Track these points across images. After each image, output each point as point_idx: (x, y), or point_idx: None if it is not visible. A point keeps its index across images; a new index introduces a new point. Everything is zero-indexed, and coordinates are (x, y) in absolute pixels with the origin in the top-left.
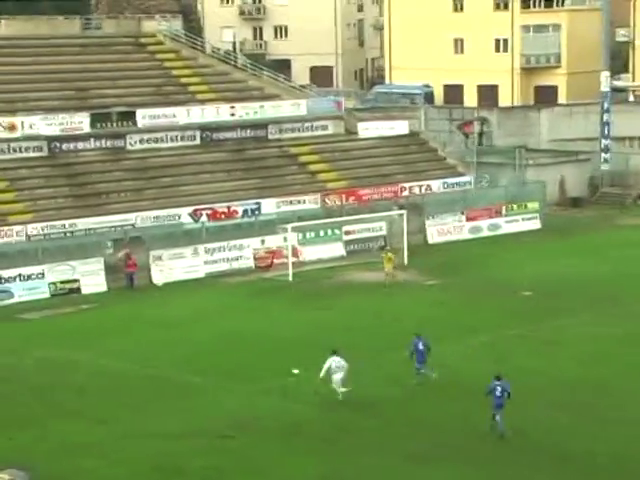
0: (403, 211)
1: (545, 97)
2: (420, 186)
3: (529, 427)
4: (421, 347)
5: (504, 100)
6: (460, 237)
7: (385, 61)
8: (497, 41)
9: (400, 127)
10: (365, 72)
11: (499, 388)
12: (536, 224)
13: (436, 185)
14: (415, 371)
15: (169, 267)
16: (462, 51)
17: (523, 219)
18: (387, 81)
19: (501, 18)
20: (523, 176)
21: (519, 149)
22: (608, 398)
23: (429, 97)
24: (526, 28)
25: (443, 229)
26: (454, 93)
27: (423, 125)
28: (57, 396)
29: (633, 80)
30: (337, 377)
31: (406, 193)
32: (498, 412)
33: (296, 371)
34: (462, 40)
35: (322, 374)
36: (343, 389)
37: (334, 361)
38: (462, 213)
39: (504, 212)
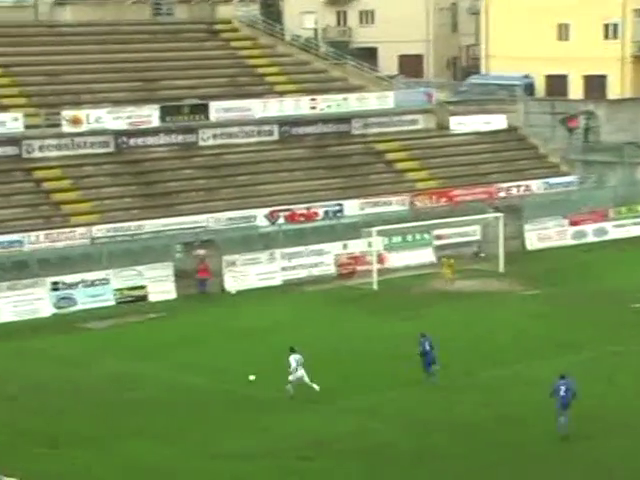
0: (499, 214)
1: None
2: (518, 187)
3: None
4: (428, 347)
5: (613, 92)
6: (562, 243)
7: (481, 49)
8: (606, 26)
9: (497, 122)
10: (459, 61)
11: (563, 387)
12: None
13: (536, 186)
14: (426, 373)
15: (243, 273)
16: (567, 38)
17: (633, 223)
18: (483, 71)
19: (611, 1)
20: (633, 176)
21: (629, 146)
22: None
23: (529, 88)
24: (639, 12)
25: (543, 234)
26: (557, 84)
27: (522, 119)
28: (122, 412)
29: None
30: (300, 373)
31: (503, 194)
32: (563, 413)
33: (252, 377)
34: (567, 25)
35: (291, 371)
36: (315, 385)
37: (294, 359)
38: (565, 217)
39: (612, 216)
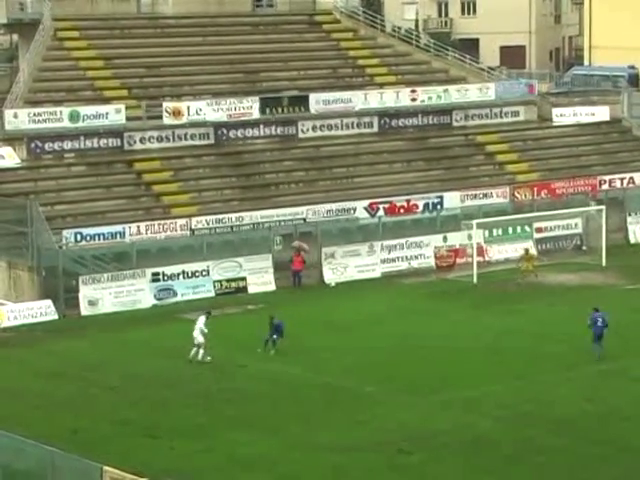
0: (602, 207)
1: None
2: (622, 179)
3: None
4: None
5: None
6: None
7: (584, 39)
8: None
9: (600, 113)
10: (561, 52)
11: (600, 319)
12: None
13: None
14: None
15: (342, 265)
16: None
17: None
18: (586, 62)
19: None
20: None
21: None
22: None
23: (634, 80)
24: None
25: None
26: None
27: (626, 111)
28: (222, 403)
29: None
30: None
31: (606, 187)
32: (599, 341)
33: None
34: None
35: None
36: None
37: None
38: None
39: None
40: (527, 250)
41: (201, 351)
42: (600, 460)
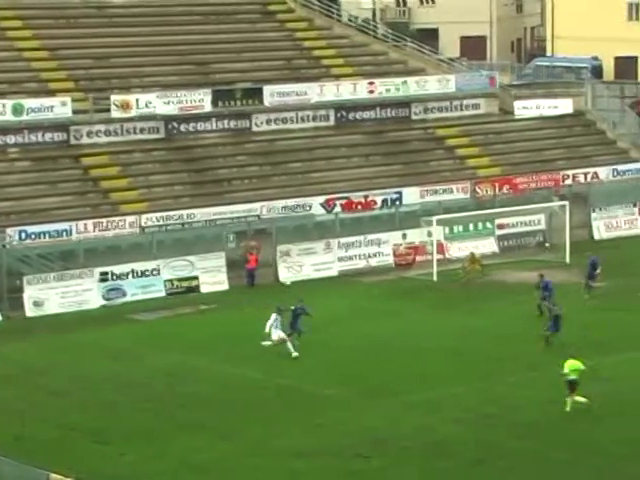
0: (565, 202)
1: None
2: (585, 174)
3: None
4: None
5: None
6: (632, 232)
7: (547, 30)
8: None
9: (563, 106)
10: (523, 43)
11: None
12: None
13: (604, 173)
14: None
15: (298, 264)
16: (637, 17)
17: None
18: (548, 53)
19: None
20: None
21: None
22: None
23: (597, 71)
24: None
25: (612, 223)
26: (627, 66)
27: (590, 103)
28: (175, 407)
29: None
30: (278, 333)
31: (569, 182)
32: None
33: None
34: (637, 5)
35: (267, 329)
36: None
37: (275, 319)
38: (635, 205)
39: None
40: (472, 253)
41: (289, 345)
42: (565, 463)
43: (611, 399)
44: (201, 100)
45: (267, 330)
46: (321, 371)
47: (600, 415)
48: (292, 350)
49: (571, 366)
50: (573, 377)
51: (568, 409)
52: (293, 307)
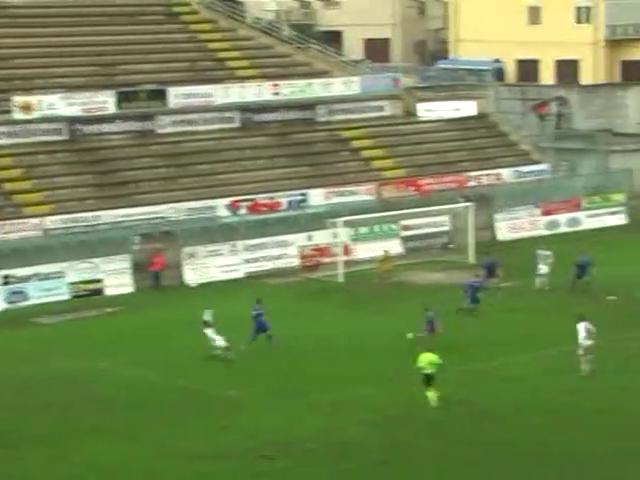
0: (469, 204)
1: (633, 73)
2: (489, 175)
3: (621, 457)
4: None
5: (586, 77)
6: (535, 233)
7: (449, 33)
8: (578, 9)
9: (466, 108)
10: (426, 45)
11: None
12: (621, 219)
13: (507, 174)
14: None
15: (204, 266)
16: (538, 21)
17: (607, 213)
18: (451, 55)
19: None
20: (607, 164)
21: (603, 133)
22: None
23: (500, 74)
24: None
25: (515, 224)
26: (528, 69)
27: (493, 106)
28: (78, 410)
29: None
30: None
31: (473, 183)
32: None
33: (410, 335)
34: (538, 9)
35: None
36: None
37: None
38: (537, 206)
39: (585, 205)
40: (386, 251)
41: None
42: (472, 463)
43: (514, 399)
44: (105, 102)
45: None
46: (225, 372)
47: (504, 415)
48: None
49: (426, 359)
50: (429, 371)
51: (433, 405)
52: (254, 312)
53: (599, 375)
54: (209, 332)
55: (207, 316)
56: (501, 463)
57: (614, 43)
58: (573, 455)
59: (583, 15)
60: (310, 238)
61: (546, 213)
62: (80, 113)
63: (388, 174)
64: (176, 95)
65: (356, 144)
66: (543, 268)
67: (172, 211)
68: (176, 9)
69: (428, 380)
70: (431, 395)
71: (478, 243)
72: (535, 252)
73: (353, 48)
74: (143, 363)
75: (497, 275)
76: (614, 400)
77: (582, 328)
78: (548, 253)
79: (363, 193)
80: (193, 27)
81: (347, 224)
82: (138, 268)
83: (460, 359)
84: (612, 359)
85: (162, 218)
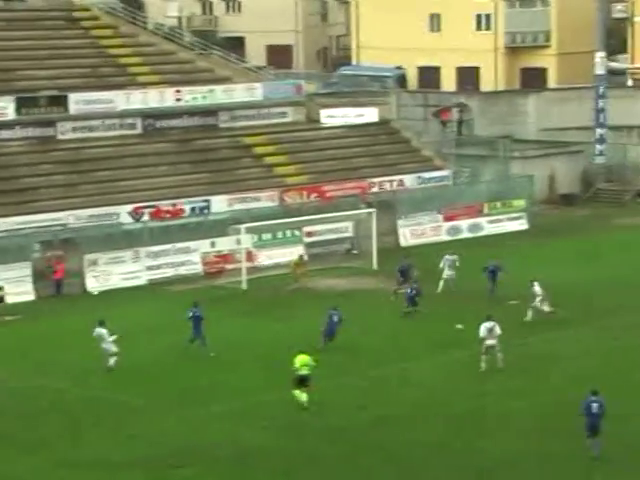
0: (372, 210)
1: (533, 81)
2: (391, 181)
3: (518, 459)
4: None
5: (486, 84)
6: (437, 239)
7: (352, 39)
8: (478, 17)
9: (369, 114)
10: (329, 52)
11: (596, 405)
12: (522, 224)
13: (409, 180)
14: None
15: (106, 273)
16: (439, 29)
17: (508, 219)
18: (354, 62)
19: None
20: (508, 170)
21: (503, 140)
22: (606, 423)
23: (401, 80)
24: (511, 2)
25: (417, 230)
26: (430, 76)
27: (395, 112)
28: None
29: (632, 62)
30: (107, 346)
31: (375, 189)
32: (593, 433)
33: (460, 326)
34: (439, 16)
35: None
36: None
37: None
38: (439, 212)
39: (486, 211)
40: (301, 256)
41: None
42: (372, 468)
43: (414, 404)
44: (4, 108)
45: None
46: (130, 381)
47: (404, 420)
48: (112, 365)
49: (301, 361)
50: (304, 372)
51: (305, 405)
52: (191, 314)
53: (499, 378)
54: (106, 344)
55: (99, 332)
56: (400, 467)
57: (513, 50)
58: (472, 457)
59: (483, 22)
60: (213, 245)
61: (448, 219)
62: None
63: (291, 180)
64: (77, 101)
65: (259, 150)
66: (449, 273)
67: (73, 218)
68: (76, 14)
69: (302, 381)
70: (301, 396)
71: (381, 249)
72: (443, 256)
73: (255, 54)
74: (44, 372)
75: (410, 279)
76: (513, 403)
77: (483, 327)
78: (455, 257)
79: (266, 200)
80: (94, 33)
81: (250, 231)
82: (39, 276)
83: (362, 364)
84: (512, 362)
85: (63, 225)
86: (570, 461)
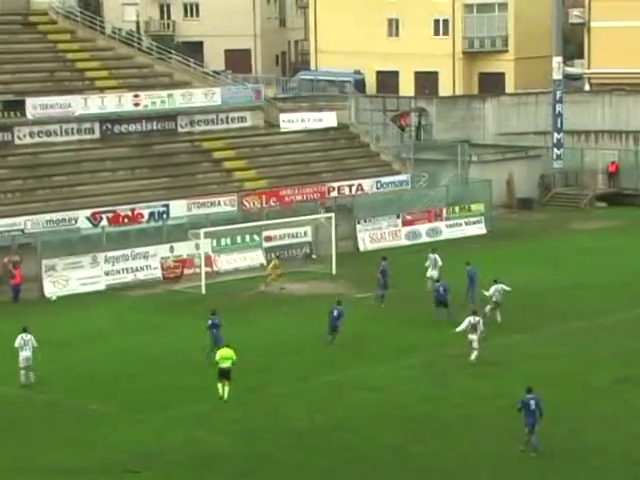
0: (331, 214)
1: (490, 85)
2: (350, 186)
3: (474, 461)
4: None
5: (444, 89)
6: (396, 244)
7: (310, 44)
8: (436, 22)
9: (327, 119)
10: (287, 56)
11: (533, 402)
12: (481, 229)
13: (368, 185)
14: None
15: (64, 278)
16: (397, 33)
17: (466, 223)
18: (312, 67)
19: None
20: (466, 175)
21: (462, 144)
22: (561, 426)
23: (360, 85)
24: (469, 7)
25: (376, 235)
26: (388, 80)
27: (353, 117)
28: None
29: (588, 67)
30: (25, 354)
31: (334, 194)
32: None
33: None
34: (397, 20)
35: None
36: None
37: (22, 338)
38: (398, 217)
39: (445, 215)
40: (276, 257)
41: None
42: (330, 472)
43: (372, 408)
44: None
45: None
46: (87, 386)
47: (362, 424)
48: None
49: (222, 354)
50: (224, 365)
51: (225, 398)
52: (210, 322)
53: (455, 382)
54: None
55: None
56: (360, 471)
57: (471, 55)
58: (430, 460)
59: (441, 27)
60: (172, 250)
61: (407, 223)
62: None
63: (250, 185)
64: (34, 106)
65: (218, 155)
66: (433, 273)
67: (31, 223)
68: (33, 18)
69: (224, 374)
70: (223, 389)
71: (340, 254)
72: (427, 256)
73: (214, 59)
74: (0, 378)
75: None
76: (471, 407)
77: (467, 321)
78: (438, 257)
79: (225, 204)
80: (51, 37)
81: (209, 235)
82: None
83: (321, 369)
84: (472, 366)
85: (20, 230)
86: (526, 462)
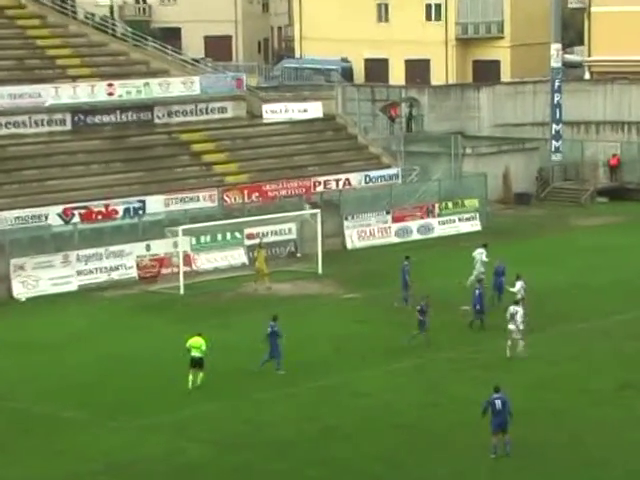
0: (317, 210)
1: (486, 74)
2: (337, 180)
3: (468, 471)
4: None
5: (437, 77)
6: (385, 241)
7: (294, 30)
8: (428, 7)
9: (313, 109)
10: (270, 43)
11: (499, 402)
12: (475, 225)
13: (356, 179)
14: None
15: (34, 278)
16: (387, 19)
17: (460, 219)
18: (297, 54)
19: None
20: (460, 168)
21: (455, 136)
22: (560, 433)
23: (347, 73)
24: None
25: (365, 232)
26: (377, 69)
27: (340, 107)
28: None
29: (589, 54)
30: None
31: (320, 189)
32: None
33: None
34: (387, 5)
35: None
36: None
37: None
38: (387, 213)
39: (437, 211)
40: (260, 245)
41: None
42: None
43: (363, 414)
44: None
45: None
46: (60, 393)
47: (353, 431)
48: None
49: (193, 343)
50: (195, 354)
51: (197, 385)
52: (270, 329)
53: (447, 387)
54: None
55: None
56: None
57: (465, 42)
58: (422, 469)
59: (433, 12)
60: (148, 248)
61: (397, 220)
62: None
63: (231, 179)
64: (2, 95)
65: (197, 148)
66: (481, 269)
67: None
68: (1, 3)
69: (195, 364)
70: (195, 379)
71: (327, 252)
72: (473, 255)
73: (193, 46)
74: None
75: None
76: (464, 414)
77: (508, 311)
78: (485, 255)
79: (204, 200)
80: (20, 22)
81: (187, 233)
82: None
83: (308, 374)
84: (461, 370)
85: None
86: (522, 472)
